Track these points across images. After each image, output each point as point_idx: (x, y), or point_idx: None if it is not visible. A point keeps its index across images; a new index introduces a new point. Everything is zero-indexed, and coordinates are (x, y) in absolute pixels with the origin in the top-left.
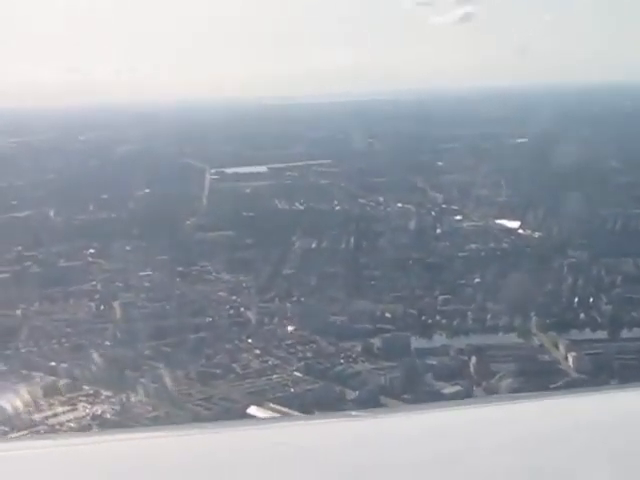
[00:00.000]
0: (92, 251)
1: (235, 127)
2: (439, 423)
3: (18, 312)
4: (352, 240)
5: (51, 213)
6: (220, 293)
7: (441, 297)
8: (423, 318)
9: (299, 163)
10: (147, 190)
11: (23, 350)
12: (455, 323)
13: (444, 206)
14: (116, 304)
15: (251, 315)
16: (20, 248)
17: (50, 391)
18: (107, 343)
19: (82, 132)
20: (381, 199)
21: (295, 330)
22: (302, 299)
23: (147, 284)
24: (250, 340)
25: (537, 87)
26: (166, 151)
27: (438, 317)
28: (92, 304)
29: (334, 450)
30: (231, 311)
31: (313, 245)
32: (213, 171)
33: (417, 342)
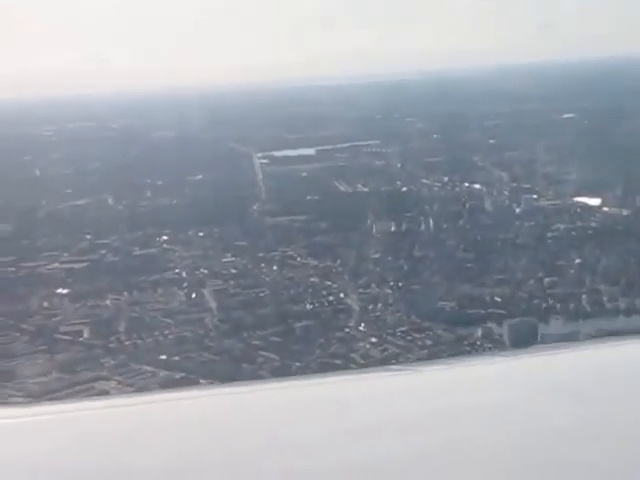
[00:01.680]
0: (165, 238)
1: (269, 111)
2: (442, 381)
3: (108, 302)
4: (431, 222)
5: (110, 200)
6: (312, 279)
7: (547, 279)
8: (535, 302)
9: (346, 144)
10: (200, 176)
11: (127, 343)
12: (571, 307)
13: (514, 185)
14: (207, 292)
15: (352, 302)
16: (90, 237)
17: (169, 386)
18: (212, 334)
19: (112, 120)
20: (445, 179)
21: (405, 317)
22: (400, 284)
23: (233, 270)
24: (362, 328)
25: (563, 62)
26: (204, 136)
27: (551, 301)
28: (182, 292)
29: (340, 407)
30: (330, 297)
31: (392, 228)
32: (260, 155)
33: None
